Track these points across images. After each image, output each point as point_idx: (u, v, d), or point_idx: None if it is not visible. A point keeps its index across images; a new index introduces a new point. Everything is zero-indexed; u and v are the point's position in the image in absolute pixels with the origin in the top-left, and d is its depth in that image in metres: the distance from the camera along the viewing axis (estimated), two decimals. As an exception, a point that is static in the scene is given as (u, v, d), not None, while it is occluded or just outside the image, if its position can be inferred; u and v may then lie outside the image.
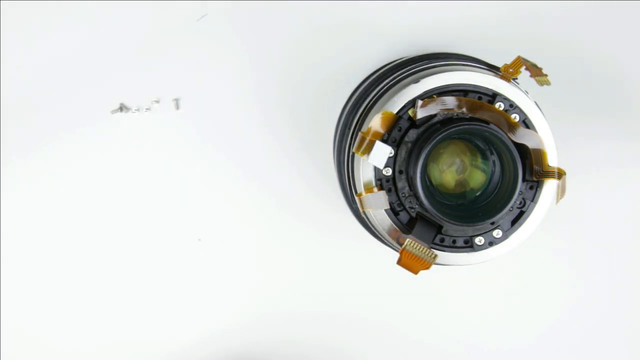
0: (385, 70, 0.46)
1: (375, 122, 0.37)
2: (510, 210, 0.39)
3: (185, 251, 0.52)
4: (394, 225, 0.39)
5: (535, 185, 0.39)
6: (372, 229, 0.40)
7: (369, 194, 0.38)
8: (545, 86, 0.39)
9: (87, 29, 0.50)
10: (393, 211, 0.39)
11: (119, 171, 0.51)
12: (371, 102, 0.40)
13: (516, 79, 0.39)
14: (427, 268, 0.38)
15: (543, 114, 0.38)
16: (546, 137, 0.38)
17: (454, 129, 0.37)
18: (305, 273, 0.53)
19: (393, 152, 0.38)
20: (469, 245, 0.39)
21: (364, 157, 0.37)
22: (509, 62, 0.39)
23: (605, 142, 0.52)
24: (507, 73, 0.38)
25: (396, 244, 0.39)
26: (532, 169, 0.38)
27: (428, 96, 0.38)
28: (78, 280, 0.52)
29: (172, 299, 0.53)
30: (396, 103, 0.38)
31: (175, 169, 0.52)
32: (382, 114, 0.37)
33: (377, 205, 0.38)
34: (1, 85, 0.50)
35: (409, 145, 0.38)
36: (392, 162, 0.38)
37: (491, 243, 0.39)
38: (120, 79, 0.51)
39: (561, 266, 0.53)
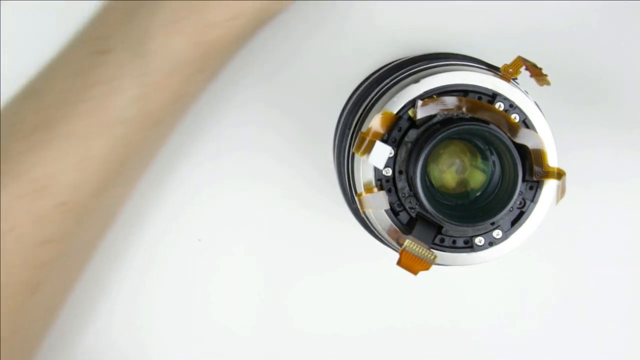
0: (385, 70, 0.46)
1: (375, 122, 0.37)
2: (510, 211, 0.39)
3: (185, 251, 0.52)
4: (394, 226, 0.39)
5: (535, 186, 0.39)
6: (372, 229, 0.40)
7: (369, 194, 0.38)
8: (545, 86, 0.39)
9: (87, 28, 0.50)
10: (393, 211, 0.39)
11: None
12: (371, 102, 0.40)
13: (516, 79, 0.39)
14: (427, 269, 0.37)
15: (543, 114, 0.38)
16: (546, 137, 0.38)
17: (454, 129, 0.37)
18: (304, 273, 0.53)
19: (393, 152, 0.38)
20: (468, 246, 0.39)
21: (364, 157, 0.37)
22: (509, 62, 0.39)
23: (605, 142, 0.52)
24: (507, 73, 0.38)
25: (396, 244, 0.39)
26: (532, 169, 0.38)
27: (428, 96, 0.38)
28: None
29: (172, 299, 0.53)
30: (396, 103, 0.38)
31: (174, 169, 0.52)
32: (382, 114, 0.37)
33: (377, 206, 0.38)
34: (1, 84, 0.50)
35: (409, 145, 0.38)
36: (392, 162, 0.38)
37: (491, 243, 0.39)
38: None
39: (562, 267, 0.53)
